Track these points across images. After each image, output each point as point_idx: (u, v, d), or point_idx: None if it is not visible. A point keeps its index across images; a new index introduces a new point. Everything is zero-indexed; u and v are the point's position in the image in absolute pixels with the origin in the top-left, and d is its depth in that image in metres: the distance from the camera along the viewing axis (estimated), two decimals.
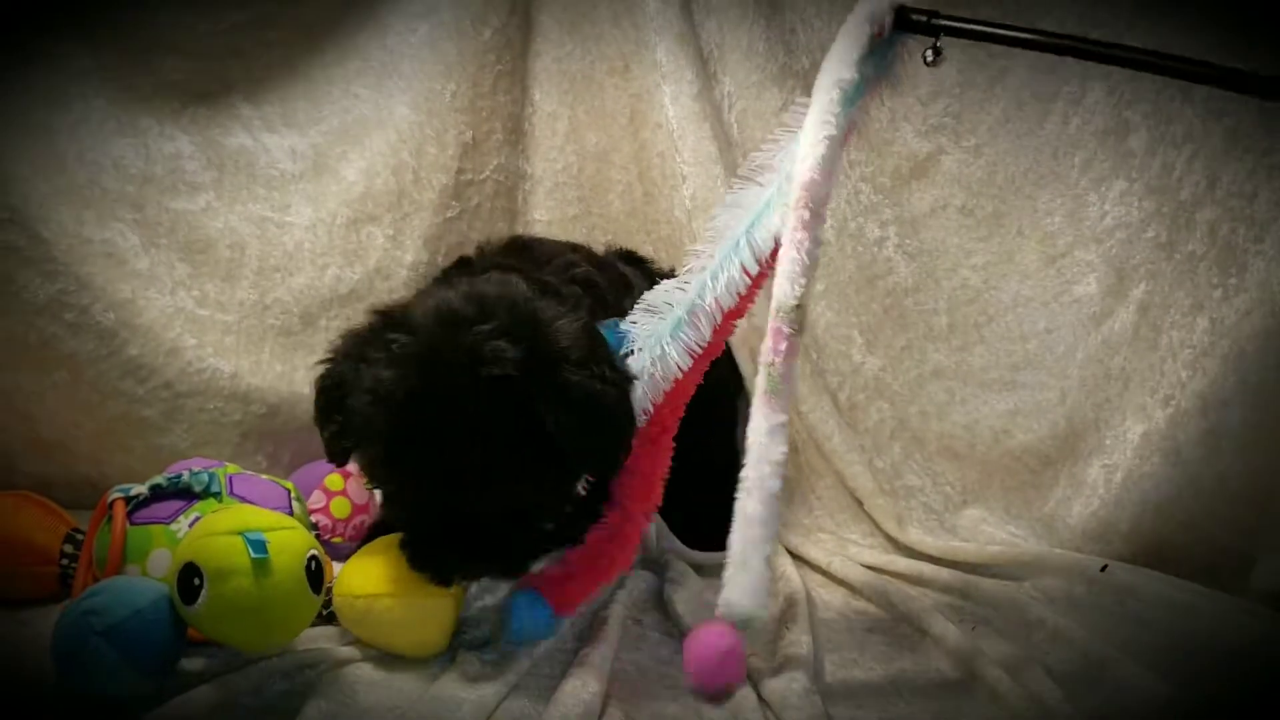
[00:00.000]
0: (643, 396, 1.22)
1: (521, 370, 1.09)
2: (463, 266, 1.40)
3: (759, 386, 1.16)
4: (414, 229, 1.69)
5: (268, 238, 1.63)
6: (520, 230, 1.78)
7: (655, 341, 1.23)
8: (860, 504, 1.69)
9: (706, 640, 1.12)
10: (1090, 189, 1.63)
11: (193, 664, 1.13)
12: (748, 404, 1.53)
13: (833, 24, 1.69)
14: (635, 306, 1.26)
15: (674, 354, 1.22)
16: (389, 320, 1.16)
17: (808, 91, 1.66)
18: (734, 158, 1.71)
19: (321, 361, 1.22)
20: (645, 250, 1.80)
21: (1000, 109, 1.69)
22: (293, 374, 1.62)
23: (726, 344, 1.33)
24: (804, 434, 1.72)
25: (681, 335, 1.22)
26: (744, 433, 1.26)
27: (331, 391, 1.18)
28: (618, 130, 1.78)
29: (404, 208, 1.69)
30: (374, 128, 1.67)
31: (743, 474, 1.13)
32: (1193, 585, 1.41)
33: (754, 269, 1.20)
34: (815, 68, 1.67)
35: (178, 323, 1.56)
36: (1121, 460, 1.56)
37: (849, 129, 1.21)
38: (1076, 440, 1.62)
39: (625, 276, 1.49)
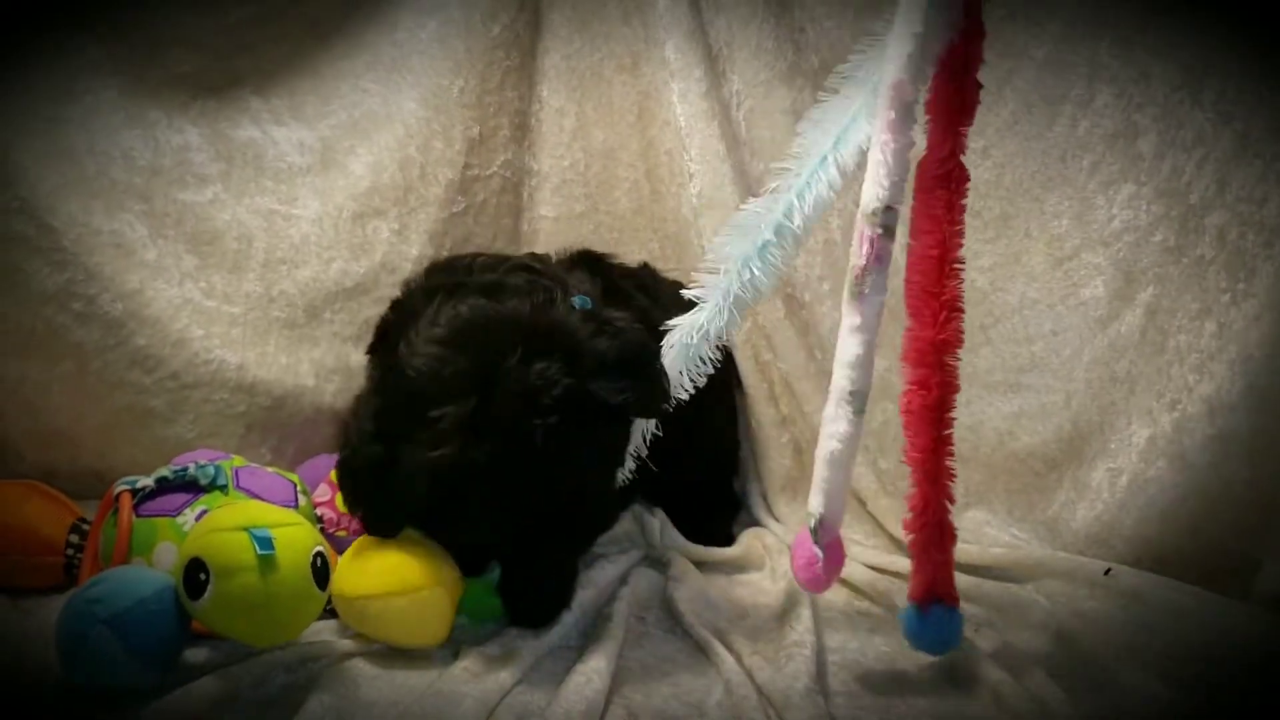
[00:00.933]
0: (730, 321, 1.26)
1: (569, 400, 1.12)
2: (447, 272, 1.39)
3: (844, 293, 1.22)
4: (420, 224, 1.70)
5: (274, 230, 1.63)
6: (526, 226, 1.77)
7: (743, 263, 1.24)
8: (864, 504, 1.69)
9: (793, 552, 1.25)
10: (1099, 192, 1.62)
11: (196, 656, 1.14)
12: (744, 398, 1.56)
13: (843, 23, 1.70)
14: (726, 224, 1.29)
15: (761, 275, 1.23)
16: (408, 380, 1.16)
17: (817, 90, 1.69)
18: (742, 156, 1.71)
19: (347, 438, 1.23)
20: (651, 248, 1.80)
21: (1009, 111, 1.67)
22: (298, 366, 1.62)
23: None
24: (808, 434, 1.71)
25: (769, 256, 1.24)
26: (743, 426, 1.28)
27: (366, 474, 1.19)
28: (625, 127, 1.78)
29: (410, 202, 1.69)
30: (382, 122, 1.67)
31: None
32: (1197, 590, 1.40)
33: (838, 185, 1.22)
34: (824, 67, 1.70)
35: (185, 314, 1.57)
36: (1126, 464, 1.55)
37: (940, 45, 1.18)
38: (1081, 444, 1.61)
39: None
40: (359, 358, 1.62)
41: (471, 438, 1.10)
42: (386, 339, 1.31)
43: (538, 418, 1.10)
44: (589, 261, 1.55)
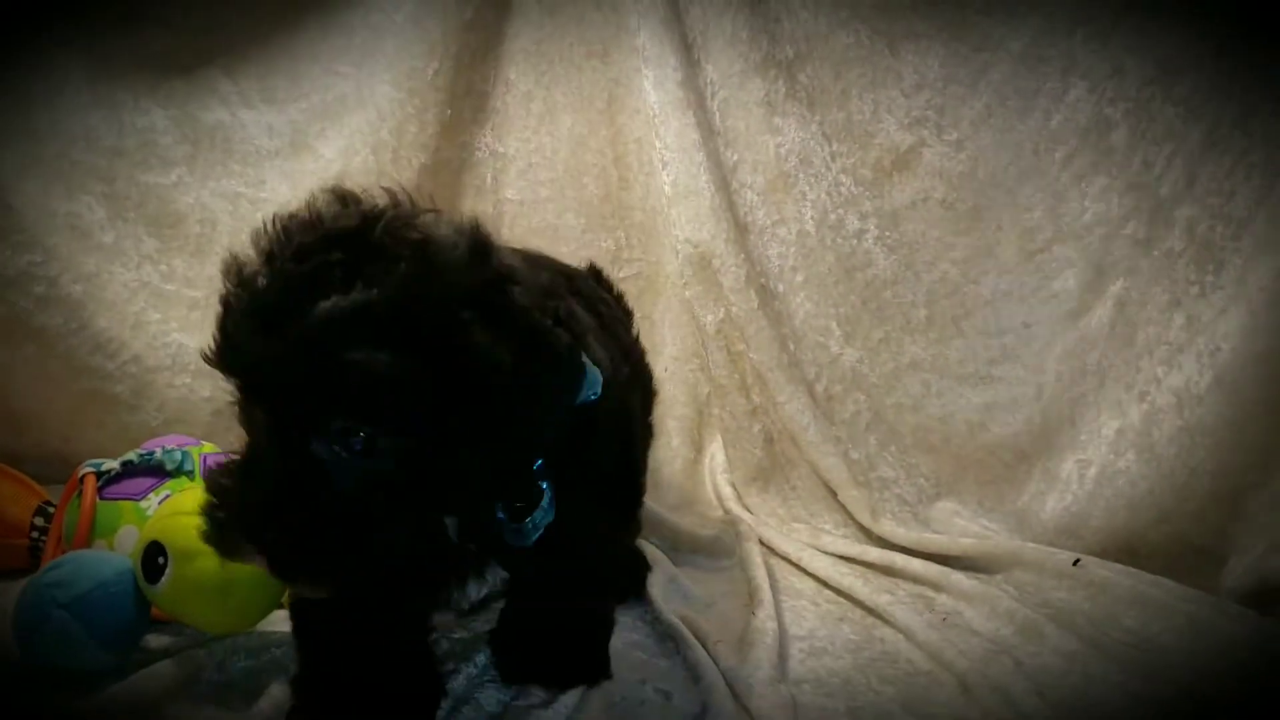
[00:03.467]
0: None
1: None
2: None
3: None
4: None
5: (240, 214, 1.61)
6: (490, 209, 1.75)
7: None
8: (834, 494, 1.69)
9: None
10: (1071, 185, 1.62)
11: (158, 641, 1.13)
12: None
13: (818, 13, 1.70)
14: None
15: None
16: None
17: (791, 82, 1.70)
18: (715, 146, 1.70)
19: None
20: (618, 236, 1.79)
21: (983, 103, 1.67)
22: None
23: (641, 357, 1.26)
24: (780, 425, 1.72)
25: None
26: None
27: None
28: (594, 114, 1.77)
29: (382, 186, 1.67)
30: (354, 106, 1.65)
31: None
32: (1164, 581, 1.41)
33: None
34: (799, 57, 1.71)
35: (141, 297, 1.54)
36: (1096, 455, 1.56)
37: None
38: (1051, 435, 1.62)
39: None
40: None
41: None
42: None
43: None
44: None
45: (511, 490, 0.91)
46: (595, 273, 1.36)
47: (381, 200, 0.85)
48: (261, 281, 0.79)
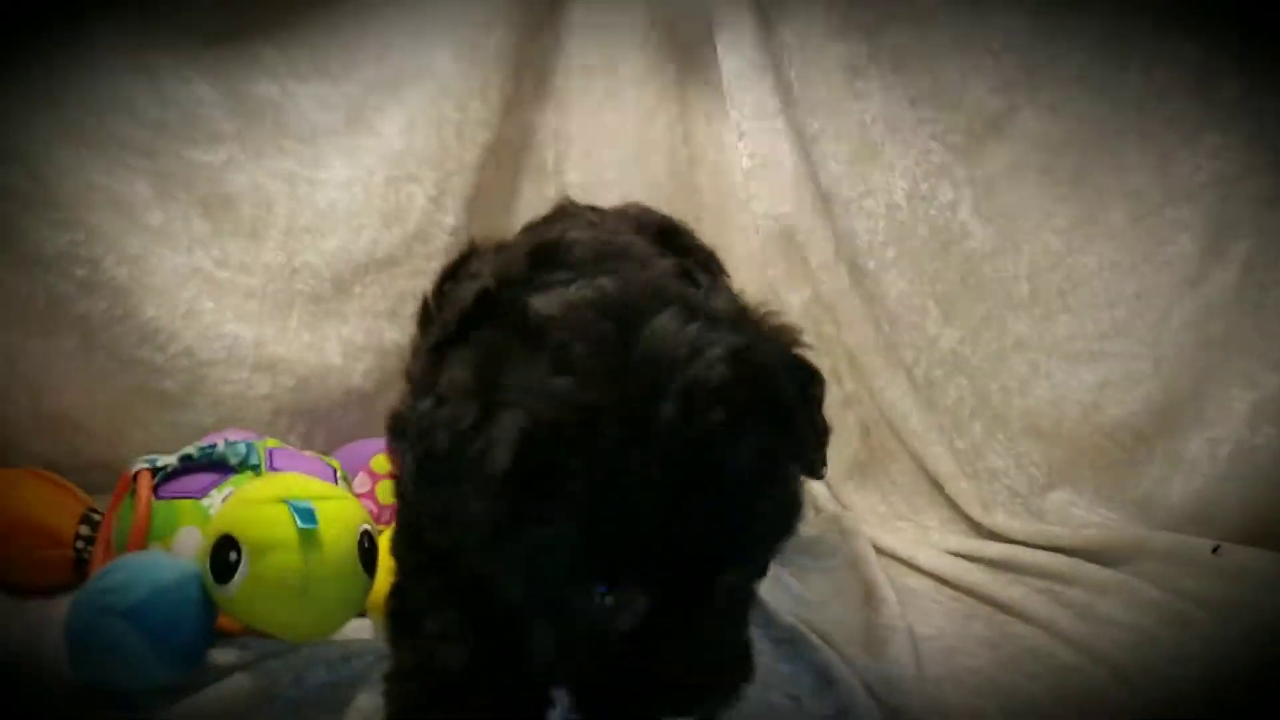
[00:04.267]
0: None
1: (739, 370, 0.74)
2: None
3: None
4: (456, 190, 1.55)
5: (297, 195, 1.48)
6: (552, 192, 1.63)
7: None
8: (940, 488, 1.57)
9: None
10: (1180, 144, 1.52)
11: (225, 656, 1.01)
12: None
13: None
14: None
15: None
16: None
17: (874, 45, 1.60)
18: (796, 114, 1.59)
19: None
20: (688, 219, 1.69)
21: (1077, 62, 1.57)
22: (323, 344, 1.48)
23: None
24: (877, 413, 1.60)
25: None
26: None
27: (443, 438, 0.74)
28: (662, 87, 1.66)
29: (447, 166, 1.55)
30: (412, 79, 1.53)
31: None
32: None
33: None
34: (881, 20, 1.60)
35: (193, 284, 1.42)
36: (1228, 432, 1.46)
37: None
38: (1174, 413, 1.50)
39: None
40: (392, 335, 1.49)
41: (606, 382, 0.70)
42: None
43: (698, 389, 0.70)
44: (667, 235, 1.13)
45: None
46: None
47: None
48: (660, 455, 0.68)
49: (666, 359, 0.70)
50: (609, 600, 0.70)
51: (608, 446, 0.67)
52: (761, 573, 0.81)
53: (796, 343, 0.84)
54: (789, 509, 0.77)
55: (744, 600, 0.80)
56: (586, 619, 0.71)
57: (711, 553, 0.70)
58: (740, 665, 0.76)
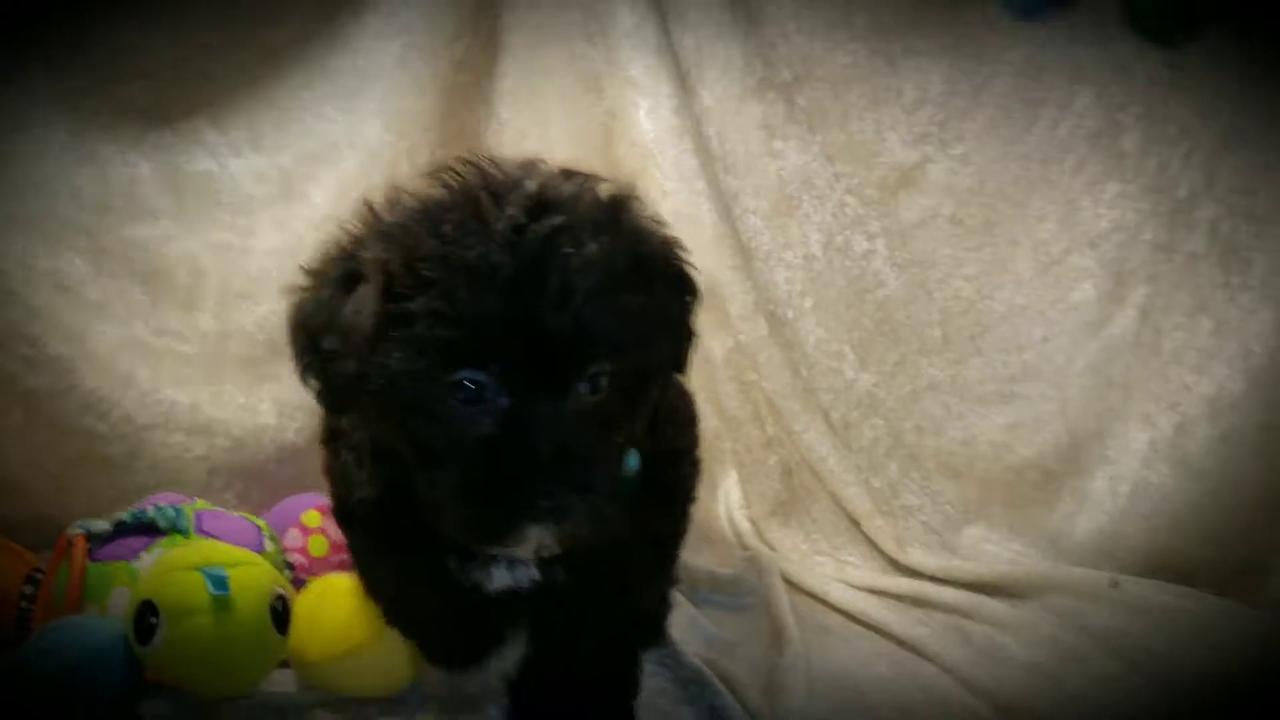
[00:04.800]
0: None
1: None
2: None
3: None
4: None
5: (230, 264, 1.55)
6: None
7: None
8: (858, 525, 1.63)
9: None
10: (1083, 192, 1.59)
11: (155, 710, 1.06)
12: None
13: (813, 36, 1.67)
14: None
15: None
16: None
17: (790, 104, 1.66)
18: (715, 172, 1.66)
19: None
20: None
21: (986, 116, 1.64)
22: (257, 405, 1.54)
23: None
24: (797, 456, 1.66)
25: None
26: None
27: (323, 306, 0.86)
28: (591, 149, 1.72)
29: None
30: (344, 149, 1.60)
31: None
32: (1207, 597, 1.37)
33: None
34: (797, 80, 1.67)
35: (131, 354, 1.49)
36: (1128, 471, 1.52)
37: None
38: (1079, 452, 1.57)
39: None
40: None
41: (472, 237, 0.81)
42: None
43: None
44: None
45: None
46: None
47: None
48: (504, 245, 0.81)
49: (525, 188, 0.84)
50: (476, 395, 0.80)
51: (453, 237, 0.80)
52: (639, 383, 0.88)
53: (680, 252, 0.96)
54: (651, 326, 0.86)
55: (611, 413, 0.86)
56: (459, 416, 0.81)
57: (566, 349, 0.81)
58: (603, 469, 0.84)
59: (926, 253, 1.66)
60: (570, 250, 0.81)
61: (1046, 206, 1.61)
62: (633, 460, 0.94)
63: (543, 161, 0.92)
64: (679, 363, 0.96)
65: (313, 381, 0.87)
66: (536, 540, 0.82)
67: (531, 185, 0.84)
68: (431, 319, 0.79)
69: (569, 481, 0.80)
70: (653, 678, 1.20)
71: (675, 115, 1.65)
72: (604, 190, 0.90)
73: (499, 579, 0.95)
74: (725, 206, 1.66)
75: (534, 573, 0.95)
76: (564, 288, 0.80)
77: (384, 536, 0.97)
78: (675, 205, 1.65)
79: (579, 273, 0.81)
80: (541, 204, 0.83)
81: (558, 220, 0.82)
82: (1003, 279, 1.63)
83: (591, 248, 0.82)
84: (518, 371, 0.80)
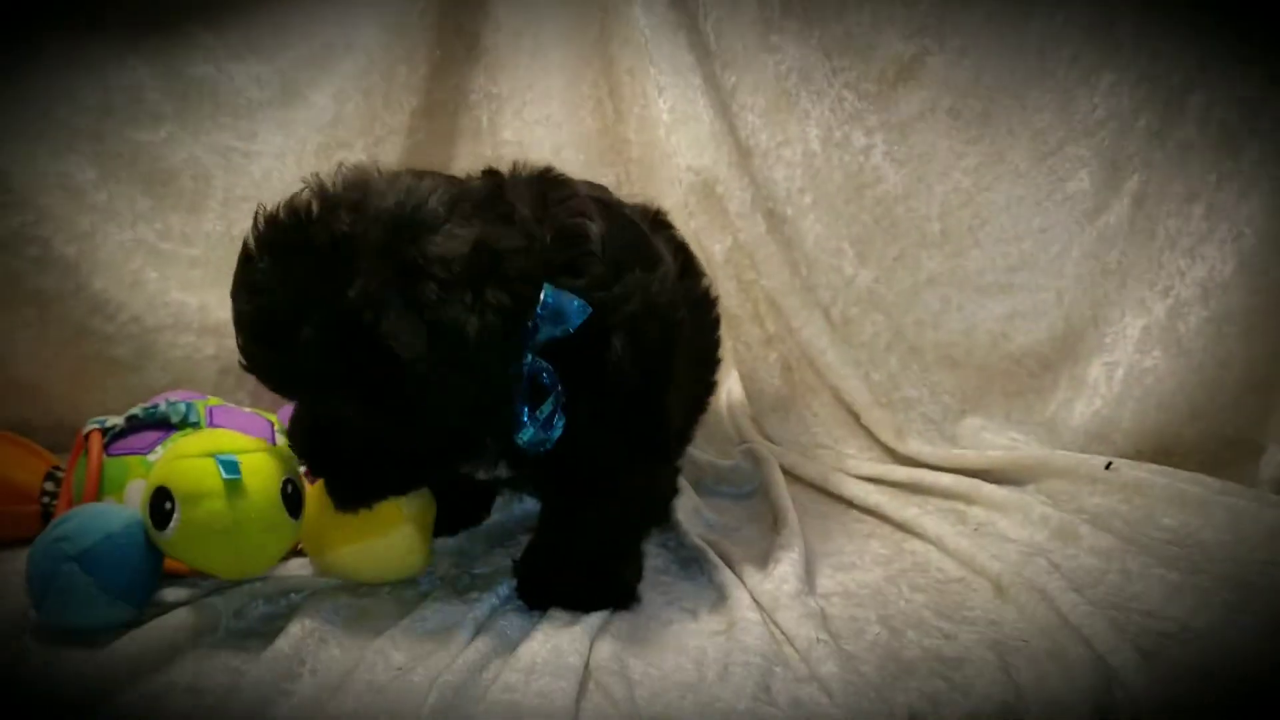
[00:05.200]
0: None
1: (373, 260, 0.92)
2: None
3: None
4: (387, 153, 1.64)
5: (233, 167, 1.59)
6: (489, 151, 1.72)
7: None
8: (857, 418, 1.66)
9: None
10: (1079, 83, 1.59)
11: (174, 594, 1.11)
12: None
13: None
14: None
15: None
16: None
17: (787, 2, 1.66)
18: (713, 68, 1.66)
19: None
20: (618, 170, 1.76)
21: (984, 8, 1.63)
22: None
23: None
24: (797, 351, 1.68)
25: None
26: None
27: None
28: (586, 46, 1.72)
29: (376, 131, 1.64)
30: (342, 52, 1.62)
31: None
32: (1201, 477, 1.39)
33: None
34: None
35: (138, 256, 1.53)
36: (1122, 357, 1.54)
37: None
38: (1076, 340, 1.59)
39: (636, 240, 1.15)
40: None
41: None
42: None
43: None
44: (657, 227, 1.31)
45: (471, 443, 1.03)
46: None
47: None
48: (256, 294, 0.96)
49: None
50: None
51: None
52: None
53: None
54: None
55: None
56: None
57: None
58: None
59: (925, 146, 1.66)
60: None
61: (1043, 97, 1.61)
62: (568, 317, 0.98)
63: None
64: None
65: None
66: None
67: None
68: None
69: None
70: (655, 558, 1.25)
71: (670, 9, 1.64)
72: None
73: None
74: (722, 103, 1.66)
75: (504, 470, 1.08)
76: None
77: None
78: (671, 102, 1.66)
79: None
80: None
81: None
82: (1000, 170, 1.64)
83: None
84: None
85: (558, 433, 1.00)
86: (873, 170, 1.68)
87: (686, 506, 1.37)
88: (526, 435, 1.00)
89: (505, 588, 1.12)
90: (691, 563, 1.24)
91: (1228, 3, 1.45)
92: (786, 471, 1.54)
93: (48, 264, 1.45)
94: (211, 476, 1.03)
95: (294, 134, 1.60)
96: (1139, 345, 1.51)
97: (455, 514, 1.27)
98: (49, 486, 1.26)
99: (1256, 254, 1.40)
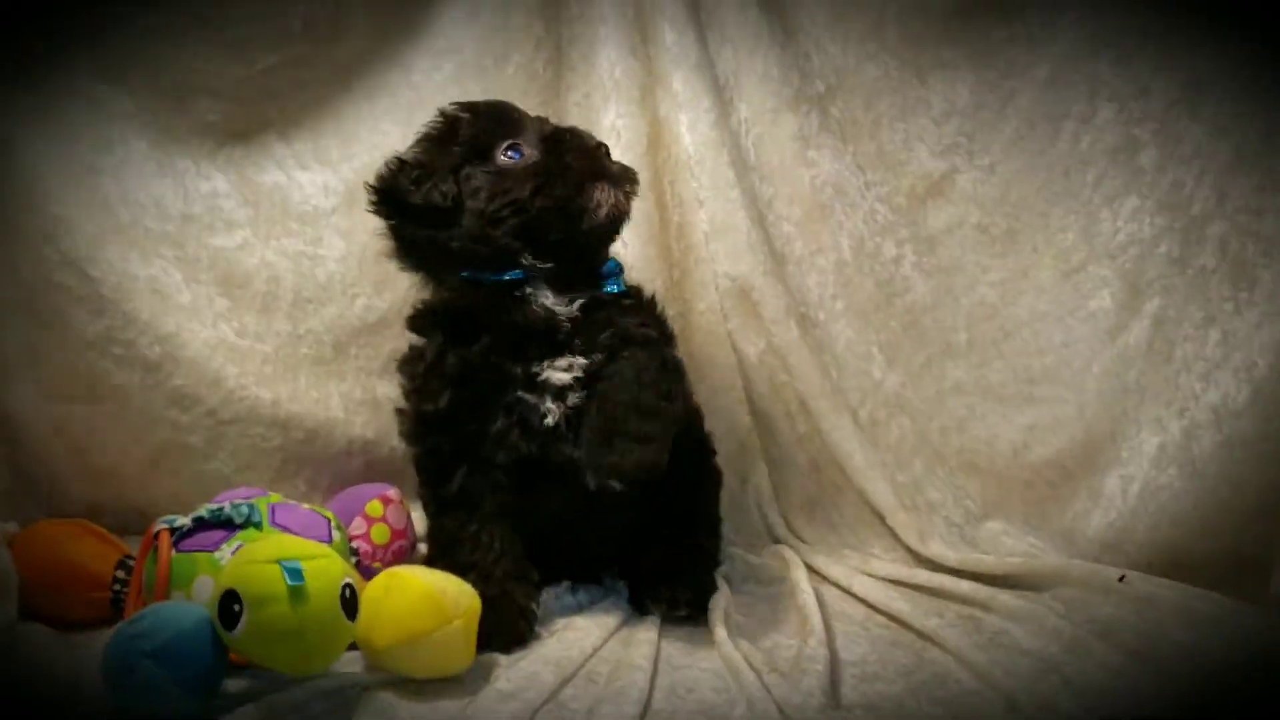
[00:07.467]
0: None
1: None
2: None
3: None
4: None
5: (301, 271, 1.70)
6: None
7: None
8: (882, 519, 1.71)
9: None
10: (1103, 205, 1.64)
11: (237, 685, 1.18)
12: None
13: (846, 48, 1.74)
14: None
15: None
16: None
17: (824, 115, 1.74)
18: (751, 182, 1.75)
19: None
20: (666, 277, 1.84)
21: (1012, 128, 1.70)
22: (328, 400, 1.68)
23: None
24: (825, 453, 1.75)
25: None
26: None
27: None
28: (634, 158, 1.80)
29: None
30: None
31: None
32: (1211, 594, 1.42)
33: None
34: (830, 91, 1.75)
35: (220, 354, 1.64)
36: (1138, 472, 1.57)
37: None
38: (1094, 453, 1.63)
39: None
40: (384, 390, 1.69)
41: None
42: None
43: None
44: None
45: None
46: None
47: None
48: None
49: None
50: None
51: None
52: None
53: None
54: None
55: None
56: None
57: None
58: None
59: (953, 259, 1.73)
60: None
61: (1068, 217, 1.67)
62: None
63: None
64: None
65: None
66: None
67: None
68: None
69: None
70: (687, 669, 1.30)
71: (714, 129, 1.74)
72: None
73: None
74: (759, 214, 1.75)
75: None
76: None
77: None
78: (711, 213, 1.74)
79: None
80: None
81: None
82: (1025, 286, 1.69)
83: None
84: None
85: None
86: (902, 280, 1.75)
87: (720, 605, 1.44)
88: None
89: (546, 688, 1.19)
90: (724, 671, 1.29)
91: (1246, 140, 1.50)
92: (812, 570, 1.61)
93: (130, 362, 1.56)
94: (277, 582, 1.10)
95: (355, 240, 1.70)
96: (1154, 462, 1.55)
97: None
98: (120, 574, 1.35)
99: (1268, 385, 1.45)
